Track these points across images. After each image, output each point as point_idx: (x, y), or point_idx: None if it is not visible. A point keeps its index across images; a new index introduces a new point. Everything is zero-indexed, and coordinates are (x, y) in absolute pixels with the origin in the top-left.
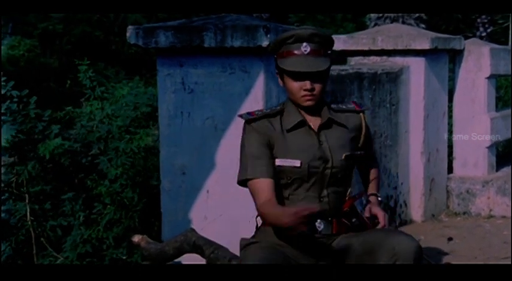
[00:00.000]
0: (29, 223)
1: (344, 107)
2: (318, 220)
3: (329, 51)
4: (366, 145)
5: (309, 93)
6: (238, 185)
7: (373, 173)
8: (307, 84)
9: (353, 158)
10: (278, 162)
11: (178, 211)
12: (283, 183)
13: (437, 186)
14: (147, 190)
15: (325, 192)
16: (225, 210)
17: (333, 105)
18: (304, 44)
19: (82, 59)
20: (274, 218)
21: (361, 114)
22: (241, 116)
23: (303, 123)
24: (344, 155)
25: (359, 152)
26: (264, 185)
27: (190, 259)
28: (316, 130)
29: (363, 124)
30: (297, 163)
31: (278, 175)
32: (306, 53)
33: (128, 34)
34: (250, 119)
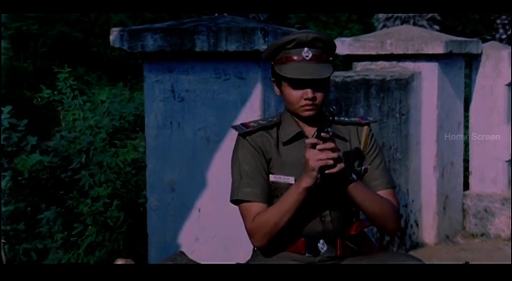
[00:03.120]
0: (1, 246)
1: (346, 119)
2: (321, 241)
3: (331, 57)
4: (373, 161)
5: (310, 102)
6: (232, 203)
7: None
8: (309, 92)
9: (355, 174)
10: (272, 178)
11: (166, 232)
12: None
13: (452, 204)
14: (133, 209)
15: (327, 211)
16: (218, 230)
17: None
18: (305, 49)
19: (60, 64)
20: (280, 206)
21: (365, 127)
22: (235, 127)
23: (300, 135)
24: None
25: (362, 168)
26: (256, 209)
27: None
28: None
29: (369, 138)
30: (291, 180)
31: (273, 191)
32: (307, 58)
33: (111, 37)
34: (245, 132)
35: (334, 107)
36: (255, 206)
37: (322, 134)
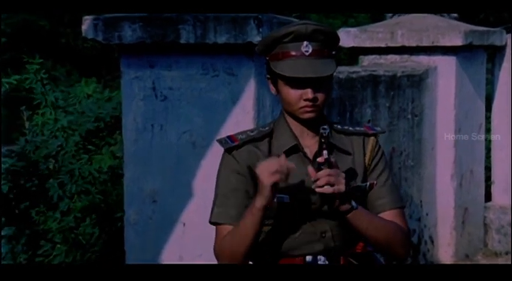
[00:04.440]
0: None
1: (351, 128)
2: (322, 258)
3: (334, 52)
4: (380, 177)
5: (311, 103)
6: None
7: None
8: (309, 92)
9: (360, 191)
10: None
11: (146, 249)
12: (273, 221)
13: (471, 218)
14: (109, 224)
15: (326, 226)
16: (205, 248)
17: (335, 125)
18: (305, 43)
19: (27, 55)
20: (238, 230)
21: (372, 138)
22: (220, 141)
23: (295, 149)
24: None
25: (368, 184)
26: (225, 232)
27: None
28: (311, 157)
29: (375, 150)
30: (286, 199)
31: (265, 212)
32: (307, 54)
33: (83, 26)
34: (231, 148)
35: (325, 127)
36: (226, 229)
37: (318, 159)
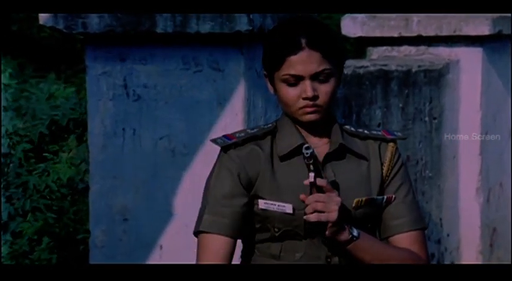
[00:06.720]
0: None
1: (366, 131)
2: None
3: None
4: (398, 191)
5: (311, 103)
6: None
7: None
8: (308, 90)
9: (374, 206)
10: (262, 205)
11: None
12: (270, 236)
13: (501, 239)
14: (70, 248)
15: (333, 249)
16: None
17: (346, 127)
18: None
19: None
20: None
21: (391, 144)
22: (215, 141)
23: (302, 150)
24: (357, 200)
25: (384, 197)
26: (218, 244)
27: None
28: (321, 160)
29: (394, 159)
30: (289, 208)
31: (261, 223)
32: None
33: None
34: (228, 145)
35: (308, 146)
36: (218, 240)
37: (304, 182)
